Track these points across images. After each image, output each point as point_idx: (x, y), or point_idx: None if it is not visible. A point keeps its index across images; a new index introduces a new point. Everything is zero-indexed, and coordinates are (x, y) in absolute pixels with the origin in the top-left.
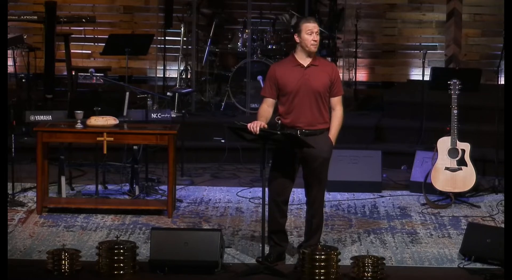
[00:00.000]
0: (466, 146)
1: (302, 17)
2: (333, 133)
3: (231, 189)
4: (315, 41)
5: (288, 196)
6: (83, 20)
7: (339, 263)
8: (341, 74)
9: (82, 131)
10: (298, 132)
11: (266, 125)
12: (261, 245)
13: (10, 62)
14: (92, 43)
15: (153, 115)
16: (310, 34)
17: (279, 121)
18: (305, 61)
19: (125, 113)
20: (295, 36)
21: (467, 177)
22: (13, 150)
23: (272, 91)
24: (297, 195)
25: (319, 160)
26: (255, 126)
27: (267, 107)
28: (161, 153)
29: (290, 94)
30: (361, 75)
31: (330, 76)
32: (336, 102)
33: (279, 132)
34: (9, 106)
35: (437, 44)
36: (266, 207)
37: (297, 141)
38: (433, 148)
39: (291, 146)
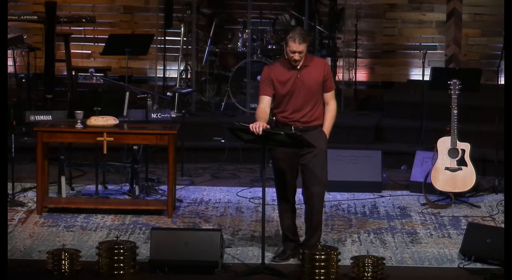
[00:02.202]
0: (466, 146)
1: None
2: (327, 126)
3: (231, 189)
4: (294, 61)
5: (295, 191)
6: (83, 20)
7: (339, 263)
8: (341, 74)
9: (82, 131)
10: (293, 129)
11: (268, 126)
12: (261, 245)
13: (10, 62)
14: (92, 43)
15: (153, 115)
16: (292, 53)
17: (274, 118)
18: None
19: (125, 113)
20: (284, 44)
21: (467, 177)
22: (13, 150)
23: (269, 89)
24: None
25: (314, 152)
26: (257, 127)
27: (264, 108)
28: (161, 153)
29: (285, 96)
30: (361, 75)
31: (323, 73)
32: (329, 97)
33: (282, 133)
34: (9, 106)
35: (437, 44)
36: (266, 207)
37: (300, 141)
38: (433, 148)
39: (292, 146)
